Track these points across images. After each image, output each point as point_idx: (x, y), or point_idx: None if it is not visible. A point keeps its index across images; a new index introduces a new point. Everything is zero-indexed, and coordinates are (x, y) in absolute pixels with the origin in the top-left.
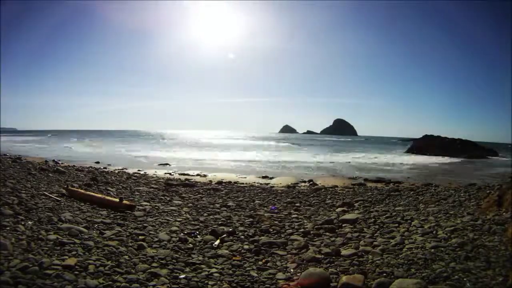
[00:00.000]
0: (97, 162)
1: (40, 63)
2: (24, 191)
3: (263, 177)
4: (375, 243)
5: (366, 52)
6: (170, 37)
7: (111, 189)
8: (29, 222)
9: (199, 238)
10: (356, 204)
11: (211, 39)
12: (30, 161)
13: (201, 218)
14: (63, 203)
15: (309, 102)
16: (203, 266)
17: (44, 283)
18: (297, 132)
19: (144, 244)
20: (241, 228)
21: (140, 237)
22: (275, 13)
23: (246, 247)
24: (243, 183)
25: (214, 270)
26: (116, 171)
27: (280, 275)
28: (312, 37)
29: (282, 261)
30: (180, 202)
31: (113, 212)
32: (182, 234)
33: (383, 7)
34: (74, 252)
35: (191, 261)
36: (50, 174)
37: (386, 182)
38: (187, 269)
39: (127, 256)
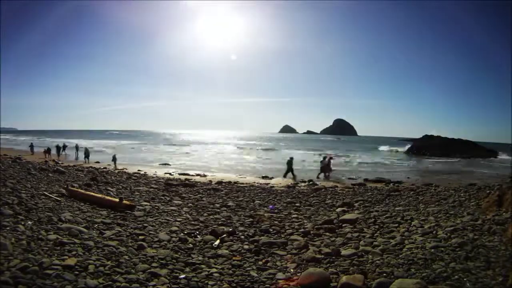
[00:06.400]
0: (97, 162)
1: (40, 63)
2: (24, 191)
3: (263, 177)
4: (375, 243)
5: (366, 52)
6: (173, 38)
7: (111, 189)
8: (29, 222)
9: (199, 238)
10: (356, 204)
11: (213, 40)
12: (30, 161)
13: (201, 218)
14: (63, 203)
15: (309, 102)
16: (203, 266)
17: (44, 283)
18: (297, 132)
19: (144, 244)
20: (241, 228)
21: (140, 237)
22: (276, 14)
23: (246, 247)
24: (243, 183)
25: (214, 270)
26: (116, 171)
27: (280, 275)
28: (313, 37)
29: (282, 261)
30: (180, 202)
31: (113, 212)
32: (182, 234)
33: (383, 7)
34: (74, 252)
35: (191, 261)
36: (50, 174)
37: (386, 182)
38: (187, 269)
39: (127, 256)
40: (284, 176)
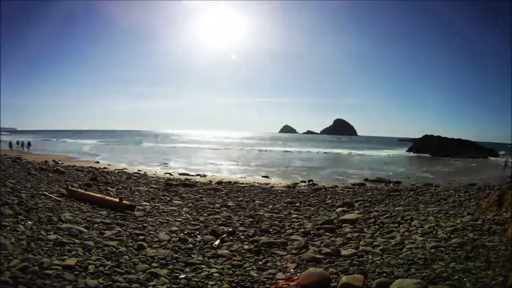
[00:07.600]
0: (97, 162)
1: (41, 63)
2: (24, 191)
3: (263, 177)
4: (375, 243)
5: (366, 52)
6: (173, 37)
7: (111, 189)
8: (29, 222)
9: (199, 238)
10: (356, 204)
11: (213, 40)
12: (30, 161)
13: (201, 218)
14: (63, 203)
15: (309, 102)
16: (203, 266)
17: (44, 283)
18: (297, 132)
19: (144, 244)
20: (241, 228)
21: (140, 237)
22: (276, 14)
23: (246, 247)
24: (243, 183)
25: (214, 270)
26: (116, 171)
27: (280, 275)
28: (313, 37)
29: (282, 261)
30: (180, 202)
31: (113, 212)
32: (182, 234)
33: (382, 7)
34: (74, 252)
35: (191, 261)
36: (50, 174)
37: (386, 182)
38: (187, 269)
39: (127, 256)
40: None
